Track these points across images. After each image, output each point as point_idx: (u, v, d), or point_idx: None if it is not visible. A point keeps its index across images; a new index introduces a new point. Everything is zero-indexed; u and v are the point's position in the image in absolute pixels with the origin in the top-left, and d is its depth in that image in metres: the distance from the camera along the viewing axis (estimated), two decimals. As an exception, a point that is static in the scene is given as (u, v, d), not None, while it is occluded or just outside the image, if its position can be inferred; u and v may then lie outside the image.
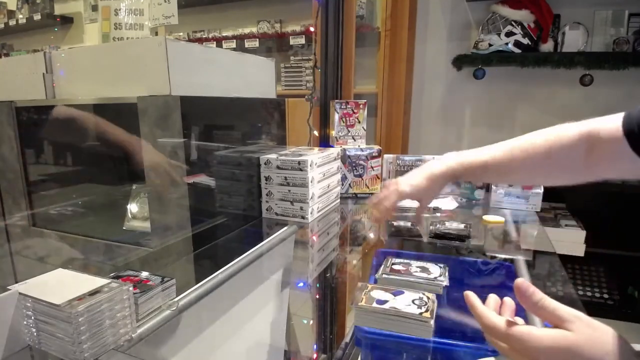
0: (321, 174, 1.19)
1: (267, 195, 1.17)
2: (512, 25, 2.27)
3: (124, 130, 1.02)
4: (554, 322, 0.44)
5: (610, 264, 2.29)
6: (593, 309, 2.14)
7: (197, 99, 0.98)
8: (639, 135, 0.59)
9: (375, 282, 0.97)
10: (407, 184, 0.89)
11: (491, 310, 0.51)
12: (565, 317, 0.43)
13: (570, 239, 2.05)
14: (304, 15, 2.80)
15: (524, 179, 1.02)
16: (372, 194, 1.43)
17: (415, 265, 1.05)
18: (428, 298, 0.77)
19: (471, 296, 0.53)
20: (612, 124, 0.64)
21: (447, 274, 1.01)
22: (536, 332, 0.44)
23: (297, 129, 1.66)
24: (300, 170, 1.10)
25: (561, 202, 2.35)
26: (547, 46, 2.27)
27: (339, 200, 1.36)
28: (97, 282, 0.55)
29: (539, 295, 0.46)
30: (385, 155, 1.43)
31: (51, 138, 1.22)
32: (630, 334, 0.47)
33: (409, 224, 1.20)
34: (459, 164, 0.84)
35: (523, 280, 0.47)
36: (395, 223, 1.21)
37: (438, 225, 1.11)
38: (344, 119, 1.45)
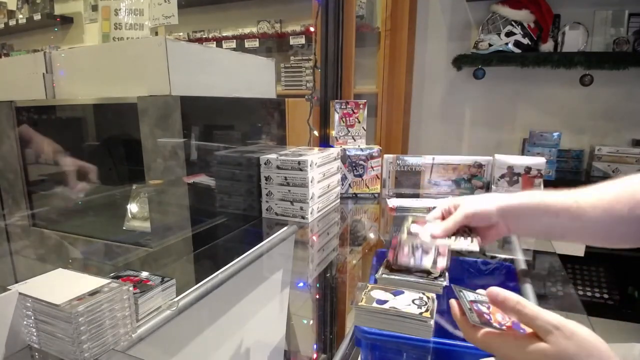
0: (321, 174, 1.19)
1: (267, 195, 1.17)
2: (512, 25, 2.27)
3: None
4: (534, 330, 0.43)
5: (610, 264, 2.28)
6: (593, 309, 2.14)
7: (197, 99, 0.98)
8: None
9: (375, 282, 0.97)
10: None
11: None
12: (543, 328, 0.42)
13: (570, 239, 2.05)
14: (304, 15, 2.80)
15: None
16: (372, 194, 1.43)
17: (415, 265, 1.05)
18: (428, 298, 0.77)
19: (454, 304, 0.53)
20: None
21: (447, 274, 1.01)
22: (512, 340, 0.44)
23: (297, 129, 1.66)
24: (300, 170, 1.10)
25: (561, 202, 2.35)
26: (547, 46, 2.27)
27: (339, 200, 1.36)
28: (97, 282, 0.55)
29: (512, 301, 0.45)
30: (385, 155, 1.43)
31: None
32: (630, 334, 0.47)
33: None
34: None
35: (494, 288, 0.46)
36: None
37: None
38: (344, 119, 1.45)
